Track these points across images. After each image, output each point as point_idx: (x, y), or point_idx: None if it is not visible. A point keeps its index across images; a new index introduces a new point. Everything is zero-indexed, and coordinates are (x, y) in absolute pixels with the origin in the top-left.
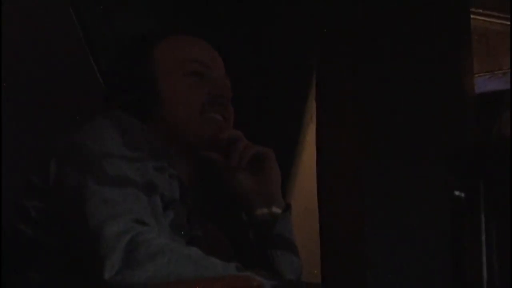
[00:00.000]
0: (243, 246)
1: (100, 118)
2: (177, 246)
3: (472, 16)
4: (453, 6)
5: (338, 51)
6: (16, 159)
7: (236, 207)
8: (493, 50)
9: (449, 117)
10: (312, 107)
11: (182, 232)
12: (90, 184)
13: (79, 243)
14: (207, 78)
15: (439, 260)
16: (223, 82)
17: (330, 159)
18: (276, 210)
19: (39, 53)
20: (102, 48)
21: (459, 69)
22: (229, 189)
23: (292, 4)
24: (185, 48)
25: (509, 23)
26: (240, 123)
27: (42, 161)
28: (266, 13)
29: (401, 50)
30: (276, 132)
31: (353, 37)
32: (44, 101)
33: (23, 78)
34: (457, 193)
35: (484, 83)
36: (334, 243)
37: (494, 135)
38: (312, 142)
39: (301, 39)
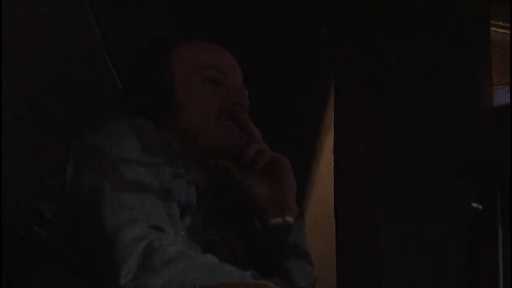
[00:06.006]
0: (258, 254)
1: (118, 122)
2: (193, 252)
3: (492, 28)
4: (473, 18)
5: (356, 61)
6: (32, 161)
7: (251, 215)
8: None
9: (467, 129)
10: (330, 115)
11: (198, 238)
12: (107, 189)
13: (94, 248)
14: (224, 86)
15: (455, 271)
16: (240, 90)
17: (347, 167)
18: (290, 219)
19: (57, 54)
20: (120, 51)
21: (478, 81)
22: (244, 197)
23: (311, 13)
24: (203, 54)
25: None
26: None
27: (58, 164)
28: (285, 22)
29: (420, 61)
30: (293, 140)
31: (371, 47)
32: (61, 103)
33: (40, 79)
34: (474, 204)
35: (503, 95)
36: (350, 251)
37: None
38: (330, 150)
39: (320, 48)
